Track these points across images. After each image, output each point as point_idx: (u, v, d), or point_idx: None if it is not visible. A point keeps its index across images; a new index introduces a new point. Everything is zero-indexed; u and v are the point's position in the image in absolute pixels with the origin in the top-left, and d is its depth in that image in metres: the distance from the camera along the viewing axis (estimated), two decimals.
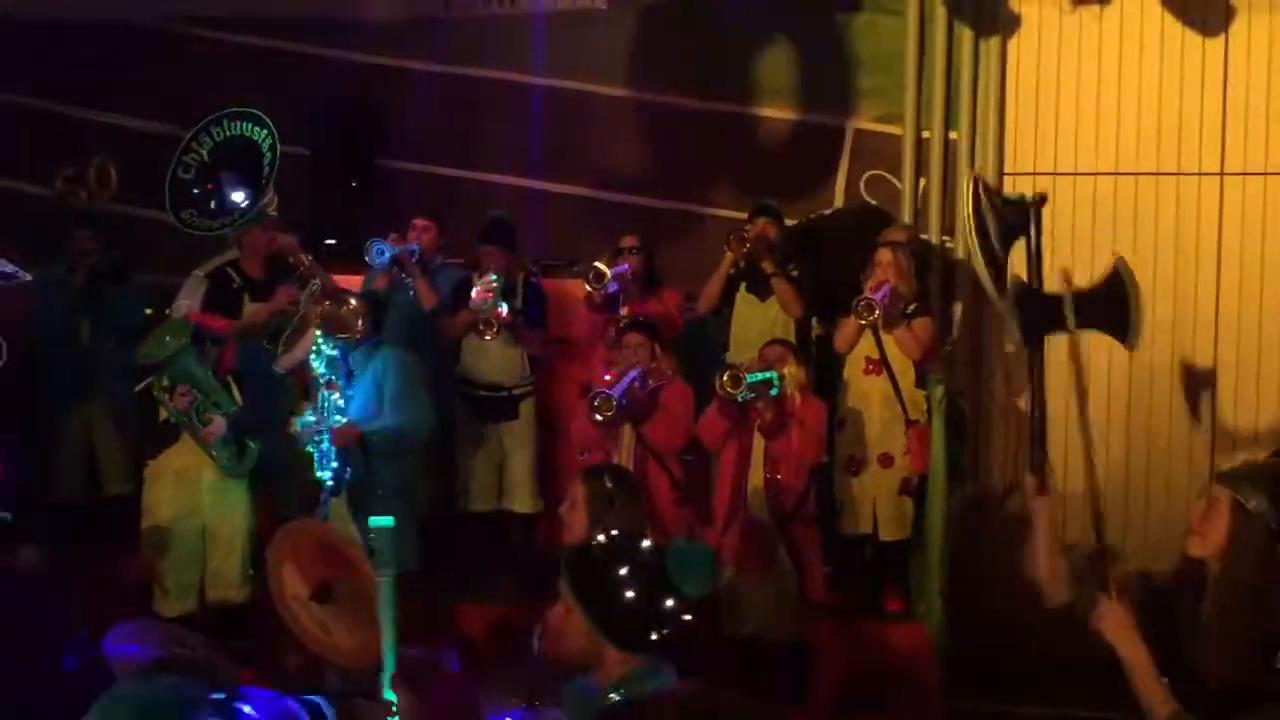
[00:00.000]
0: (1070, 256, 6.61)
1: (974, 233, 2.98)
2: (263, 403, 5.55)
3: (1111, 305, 3.04)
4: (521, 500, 6.11)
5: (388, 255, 6.06)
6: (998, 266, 3.04)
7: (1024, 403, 6.70)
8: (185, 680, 1.72)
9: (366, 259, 6.10)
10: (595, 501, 3.65)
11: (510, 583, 5.94)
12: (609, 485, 3.74)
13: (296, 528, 2.85)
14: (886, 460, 5.67)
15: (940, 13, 6.90)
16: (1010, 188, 6.77)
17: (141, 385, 5.22)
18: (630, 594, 2.47)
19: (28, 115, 8.25)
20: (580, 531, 3.59)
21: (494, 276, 5.86)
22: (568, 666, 2.59)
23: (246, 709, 1.70)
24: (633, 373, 5.30)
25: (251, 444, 5.34)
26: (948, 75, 6.91)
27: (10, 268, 6.40)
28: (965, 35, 6.85)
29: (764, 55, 7.39)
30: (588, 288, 5.91)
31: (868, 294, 5.55)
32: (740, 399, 5.13)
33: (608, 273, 5.87)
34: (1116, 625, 2.80)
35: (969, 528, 6.34)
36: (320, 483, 5.24)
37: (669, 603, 2.50)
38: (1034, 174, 6.79)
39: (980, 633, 5.96)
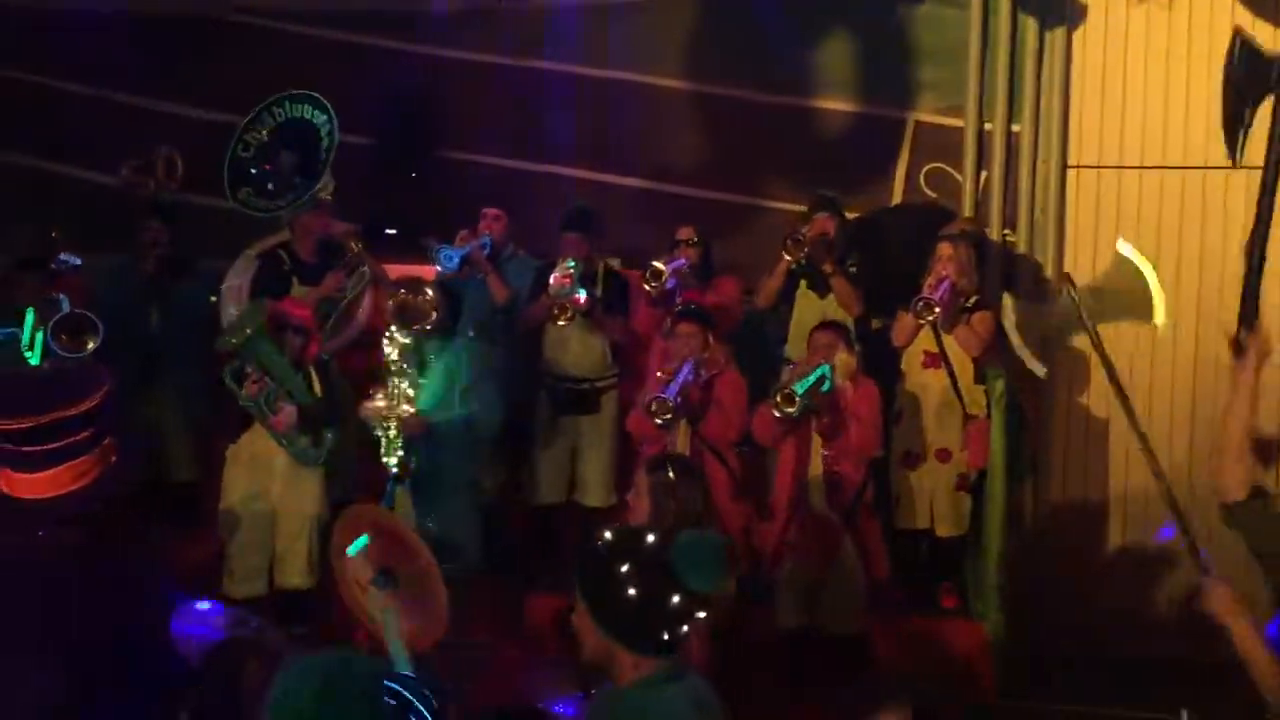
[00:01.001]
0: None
1: (1227, 86, 2.84)
2: (336, 392, 5.58)
3: (1127, 290, 2.94)
4: (594, 494, 6.09)
5: (456, 259, 6.06)
6: (1235, 128, 2.88)
7: (1086, 400, 6.62)
8: (374, 662, 1.74)
9: (436, 266, 6.10)
10: (658, 490, 3.67)
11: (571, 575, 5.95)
12: (670, 474, 3.76)
13: (358, 512, 2.88)
14: (944, 455, 5.63)
15: (1005, 3, 6.81)
16: (1074, 181, 6.70)
17: (223, 373, 5.28)
18: (632, 591, 2.34)
19: (95, 105, 8.42)
20: (644, 520, 3.62)
21: (571, 263, 5.86)
22: (593, 670, 2.50)
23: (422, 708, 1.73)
24: (685, 369, 5.28)
25: (327, 434, 5.36)
26: (1011, 67, 6.81)
27: (67, 255, 6.55)
28: (1030, 26, 6.75)
29: (823, 46, 7.34)
30: (646, 286, 5.90)
31: (926, 292, 5.50)
32: (798, 415, 5.09)
33: (665, 270, 5.87)
34: (1226, 605, 2.74)
35: (1028, 526, 6.27)
36: (386, 470, 5.27)
37: (675, 600, 2.36)
38: (1099, 167, 6.70)
39: (1038, 632, 5.90)
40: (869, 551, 5.25)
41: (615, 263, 6.51)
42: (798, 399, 5.03)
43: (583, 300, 5.82)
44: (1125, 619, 6.14)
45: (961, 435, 5.64)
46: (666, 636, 2.37)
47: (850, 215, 6.59)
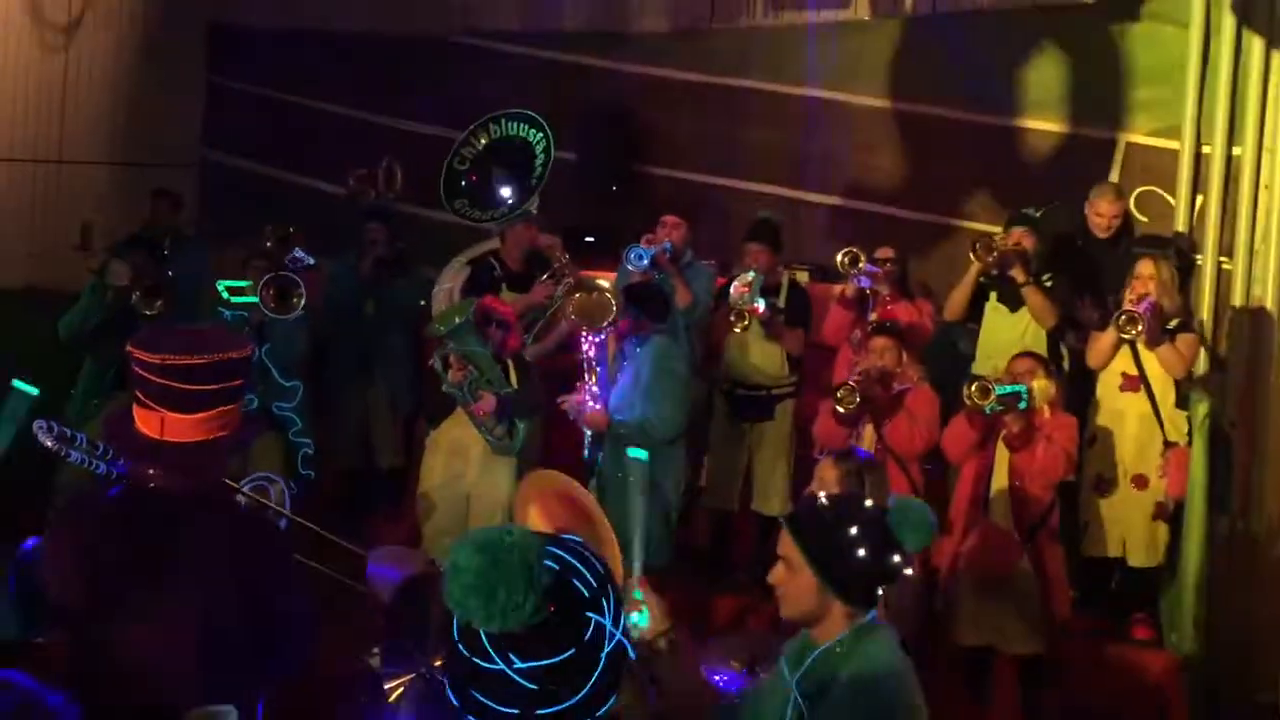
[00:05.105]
0: None
1: None
2: (533, 387, 5.81)
3: None
4: (772, 502, 6.12)
5: (646, 259, 6.26)
6: None
7: None
8: (533, 534, 1.83)
9: (626, 264, 6.31)
10: (845, 481, 3.68)
11: (751, 579, 6.02)
12: (857, 466, 3.77)
13: (542, 474, 3.03)
14: (1141, 482, 5.43)
15: (1228, 22, 6.52)
16: None
17: (432, 361, 5.59)
18: (862, 552, 2.53)
19: (324, 120, 9.07)
20: None
21: (750, 273, 5.98)
22: (795, 626, 2.65)
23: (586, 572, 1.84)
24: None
25: (520, 425, 5.57)
26: (1233, 87, 6.52)
27: (302, 253, 7.07)
28: (1255, 45, 6.43)
29: (1031, 66, 7.20)
30: (840, 267, 5.94)
31: (1129, 306, 5.33)
32: (988, 410, 5.02)
33: (863, 257, 5.90)
34: None
35: (1230, 561, 5.94)
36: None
37: (895, 559, 2.57)
38: None
39: (1239, 668, 5.57)
40: (1048, 580, 5.08)
41: (802, 276, 6.54)
42: (992, 393, 4.95)
43: (761, 309, 5.91)
44: None
45: (1161, 462, 5.42)
46: (881, 591, 2.60)
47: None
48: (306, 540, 3.34)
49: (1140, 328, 5.28)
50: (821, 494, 2.73)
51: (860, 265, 5.90)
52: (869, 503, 2.63)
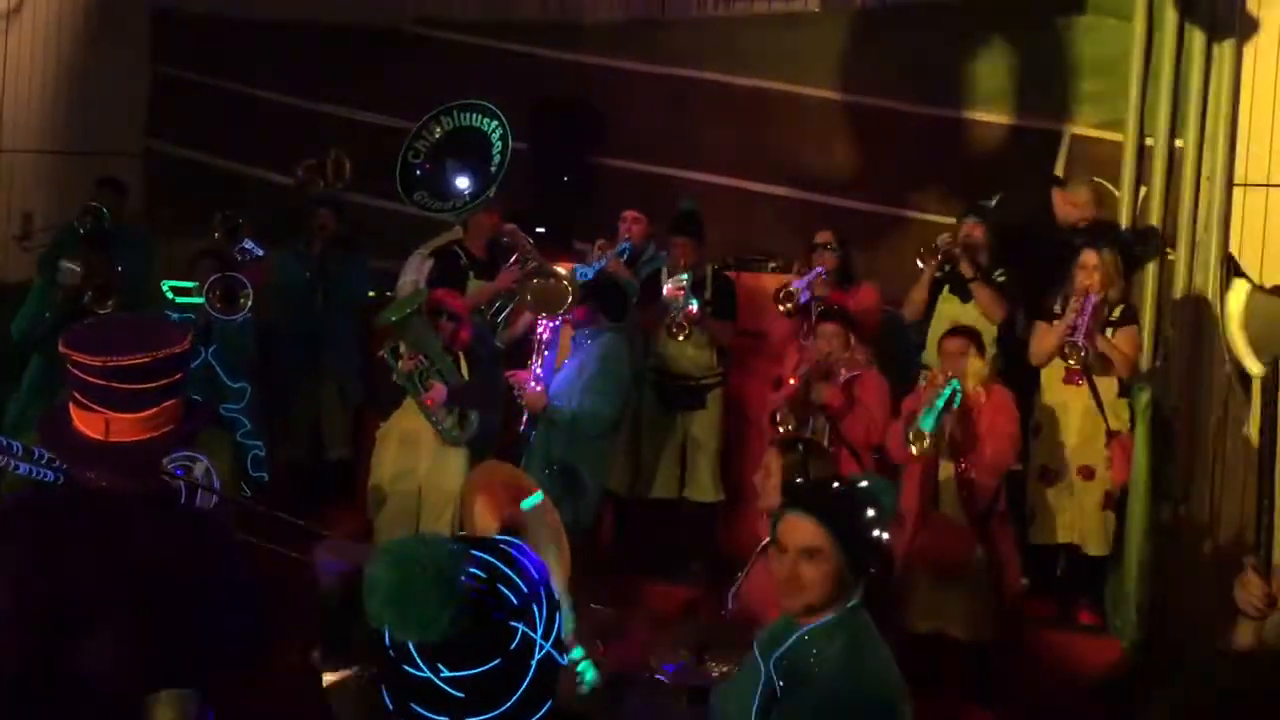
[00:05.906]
0: None
1: None
2: (486, 379, 5.75)
3: None
4: (703, 490, 6.19)
5: (590, 275, 6.21)
6: None
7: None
8: (452, 542, 1.79)
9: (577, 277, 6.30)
10: (790, 469, 3.69)
11: (693, 568, 6.06)
12: (802, 453, 3.78)
13: (489, 466, 3.02)
14: (1087, 473, 5.48)
15: (1170, 15, 6.61)
16: (1240, 200, 6.46)
17: (381, 351, 5.55)
18: (878, 533, 2.53)
19: (273, 109, 8.96)
20: (775, 499, 3.65)
21: (685, 275, 5.99)
22: (796, 614, 2.60)
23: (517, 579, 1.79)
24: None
25: (471, 415, 5.55)
26: (1175, 80, 6.61)
27: (251, 244, 6.99)
28: (1197, 38, 6.52)
29: (979, 59, 7.28)
30: (780, 309, 5.92)
31: (1078, 337, 5.32)
32: (928, 443, 4.98)
33: (797, 290, 5.90)
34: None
35: (1174, 549, 6.04)
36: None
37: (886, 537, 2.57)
38: (1267, 185, 6.44)
39: (1180, 655, 5.68)
40: (1001, 559, 5.14)
41: (730, 262, 6.55)
42: (927, 437, 4.93)
43: (695, 310, 5.95)
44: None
45: (1106, 452, 5.49)
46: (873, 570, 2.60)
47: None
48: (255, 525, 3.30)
49: (1083, 354, 5.33)
50: (840, 480, 2.72)
51: (795, 298, 5.84)
52: (865, 483, 2.62)
